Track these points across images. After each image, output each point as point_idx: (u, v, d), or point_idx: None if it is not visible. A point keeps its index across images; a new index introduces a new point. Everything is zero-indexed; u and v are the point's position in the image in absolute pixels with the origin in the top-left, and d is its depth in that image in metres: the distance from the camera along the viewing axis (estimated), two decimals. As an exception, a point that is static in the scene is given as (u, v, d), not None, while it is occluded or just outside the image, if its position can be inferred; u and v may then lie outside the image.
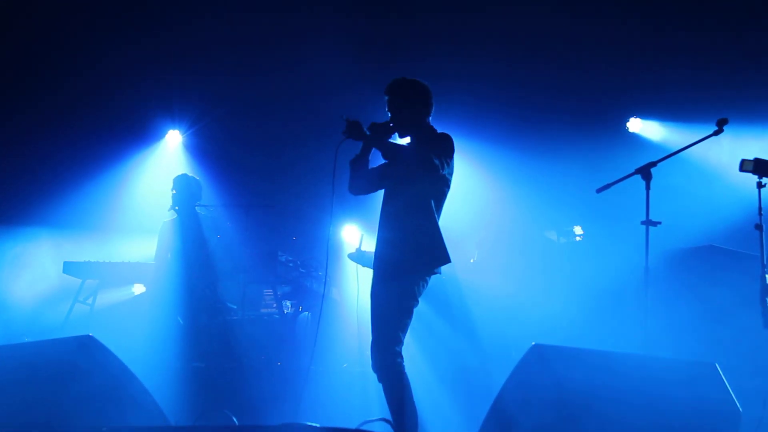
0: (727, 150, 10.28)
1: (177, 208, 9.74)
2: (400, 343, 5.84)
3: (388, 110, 6.23)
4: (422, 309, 6.02)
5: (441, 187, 6.11)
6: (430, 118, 6.31)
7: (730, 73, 10.68)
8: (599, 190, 6.95)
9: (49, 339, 7.08)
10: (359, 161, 6.25)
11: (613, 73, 11.28)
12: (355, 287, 9.31)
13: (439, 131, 6.20)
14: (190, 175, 10.11)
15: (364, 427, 6.12)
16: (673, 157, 6.93)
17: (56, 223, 11.67)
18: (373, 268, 6.13)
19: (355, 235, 10.40)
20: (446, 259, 6.02)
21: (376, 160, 6.27)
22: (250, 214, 9.90)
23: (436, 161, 5.88)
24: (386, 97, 6.25)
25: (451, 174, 6.14)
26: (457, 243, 6.21)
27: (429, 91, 6.28)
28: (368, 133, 6.12)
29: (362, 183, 6.29)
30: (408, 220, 5.98)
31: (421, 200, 6.00)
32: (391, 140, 6.19)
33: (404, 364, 5.90)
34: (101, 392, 6.04)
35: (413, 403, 5.86)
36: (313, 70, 11.79)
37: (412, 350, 6.16)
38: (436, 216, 6.05)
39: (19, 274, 11.42)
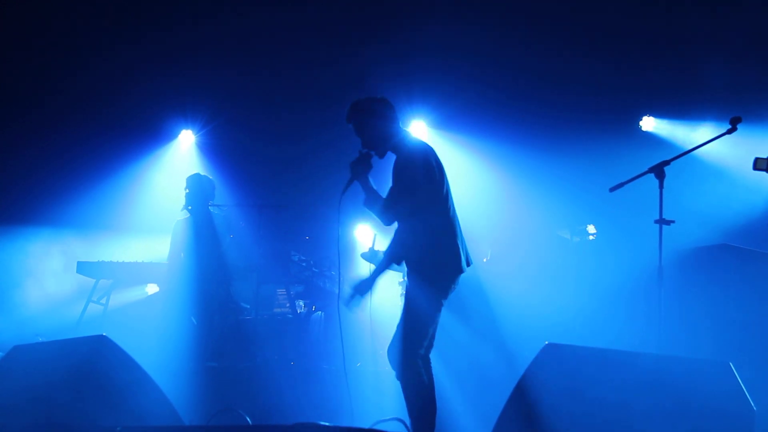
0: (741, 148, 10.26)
1: (190, 207, 9.75)
2: (421, 346, 5.92)
3: (357, 136, 6.23)
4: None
5: (432, 195, 6.09)
6: (399, 124, 6.32)
7: (744, 70, 10.65)
8: (612, 189, 6.93)
9: (63, 339, 7.11)
10: (369, 198, 6.24)
11: (626, 71, 11.25)
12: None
13: (415, 142, 6.21)
14: (203, 174, 10.12)
15: (377, 427, 6.14)
16: (686, 156, 6.92)
17: (69, 222, 11.70)
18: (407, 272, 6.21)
19: (368, 235, 10.40)
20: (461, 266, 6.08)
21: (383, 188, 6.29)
22: (263, 214, 9.90)
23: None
24: (350, 125, 6.25)
25: (433, 181, 6.08)
26: (470, 242, 6.20)
27: (385, 101, 6.27)
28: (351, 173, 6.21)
29: (388, 213, 6.25)
30: (419, 219, 6.01)
31: (418, 213, 6.03)
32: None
33: (429, 364, 5.99)
34: (115, 392, 6.06)
35: (432, 402, 5.92)
36: (326, 69, 11.80)
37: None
38: (444, 219, 6.07)
39: (31, 273, 11.46)
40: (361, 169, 6.17)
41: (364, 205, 6.25)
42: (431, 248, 6.00)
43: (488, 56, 11.11)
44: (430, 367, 6.06)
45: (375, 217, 6.27)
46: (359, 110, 6.21)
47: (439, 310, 6.05)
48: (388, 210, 6.06)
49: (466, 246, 6.18)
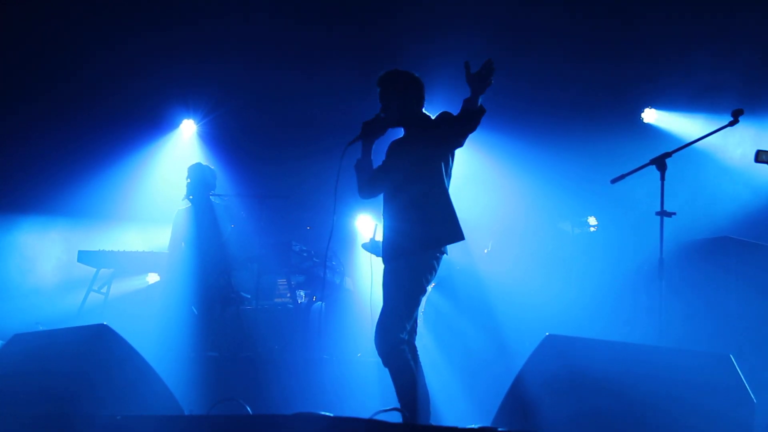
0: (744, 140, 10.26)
1: (191, 197, 9.75)
2: (403, 330, 5.87)
3: (381, 101, 6.25)
4: (436, 299, 6.05)
5: (451, 163, 6.19)
6: (424, 109, 6.33)
7: (746, 62, 10.62)
8: (614, 181, 6.94)
9: (64, 328, 7.11)
10: (363, 163, 6.28)
11: (628, 63, 11.23)
12: (368, 277, 9.31)
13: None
14: (205, 164, 10.12)
15: (377, 417, 6.14)
16: (688, 148, 6.92)
17: (71, 211, 11.71)
18: (382, 255, 6.20)
19: (369, 225, 10.40)
20: (452, 237, 6.04)
21: (377, 161, 6.31)
22: (265, 204, 9.91)
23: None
24: (378, 89, 6.26)
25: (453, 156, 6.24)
26: (471, 233, 6.20)
27: (421, 82, 6.30)
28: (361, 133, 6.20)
29: (372, 186, 6.31)
30: (421, 208, 6.01)
31: (434, 186, 6.02)
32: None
33: (415, 352, 5.97)
34: (115, 381, 6.06)
35: (424, 390, 5.90)
36: (329, 61, 11.81)
37: (425, 340, 6.18)
38: (448, 196, 6.07)
39: (33, 262, 11.48)
40: (372, 131, 6.19)
41: (354, 167, 6.29)
42: (421, 228, 6.00)
43: (488, 50, 11.07)
44: (417, 354, 6.04)
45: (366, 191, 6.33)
46: (396, 79, 6.25)
47: (424, 292, 6.02)
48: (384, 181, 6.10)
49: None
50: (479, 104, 5.79)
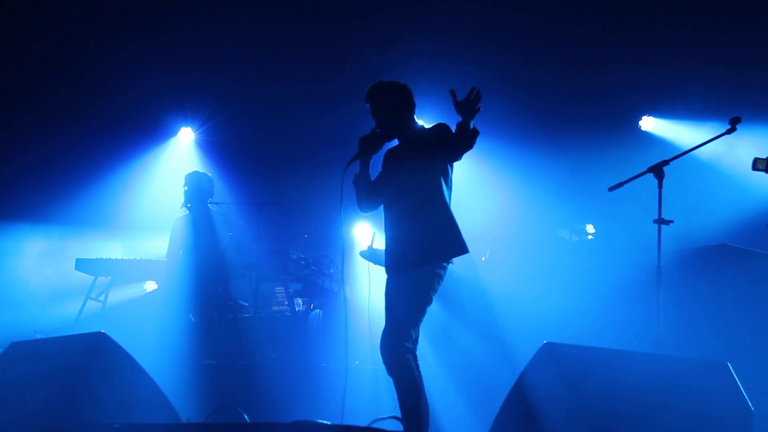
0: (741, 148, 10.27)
1: (189, 205, 9.75)
2: (410, 339, 5.85)
3: (373, 116, 6.22)
4: (434, 306, 6.02)
5: (450, 173, 6.15)
6: (416, 116, 6.31)
7: (744, 70, 10.64)
8: (611, 189, 6.94)
9: (62, 336, 7.11)
10: (362, 178, 6.26)
11: (625, 71, 11.24)
12: (366, 285, 9.31)
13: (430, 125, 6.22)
14: (202, 172, 10.12)
15: (375, 425, 6.14)
16: (686, 156, 6.92)
17: (68, 219, 11.70)
18: (386, 266, 6.16)
19: (367, 233, 10.40)
20: (458, 250, 6.02)
21: (374, 173, 6.30)
22: (262, 212, 9.89)
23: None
24: (367, 105, 6.24)
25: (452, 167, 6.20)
26: (469, 241, 6.18)
27: (409, 89, 6.27)
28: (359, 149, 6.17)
29: (371, 198, 6.29)
30: (419, 217, 5.98)
31: (432, 195, 6.01)
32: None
33: (417, 360, 5.95)
34: (113, 389, 6.05)
35: (425, 399, 5.89)
36: (326, 67, 11.82)
37: (423, 348, 6.16)
38: (449, 207, 6.05)
39: (30, 270, 11.46)
40: (369, 146, 6.18)
41: (353, 183, 6.26)
42: (426, 237, 5.98)
43: (488, 58, 11.10)
44: (418, 363, 6.03)
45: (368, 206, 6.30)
46: (384, 92, 6.20)
47: (430, 302, 6.00)
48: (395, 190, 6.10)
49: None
50: (472, 127, 5.77)
